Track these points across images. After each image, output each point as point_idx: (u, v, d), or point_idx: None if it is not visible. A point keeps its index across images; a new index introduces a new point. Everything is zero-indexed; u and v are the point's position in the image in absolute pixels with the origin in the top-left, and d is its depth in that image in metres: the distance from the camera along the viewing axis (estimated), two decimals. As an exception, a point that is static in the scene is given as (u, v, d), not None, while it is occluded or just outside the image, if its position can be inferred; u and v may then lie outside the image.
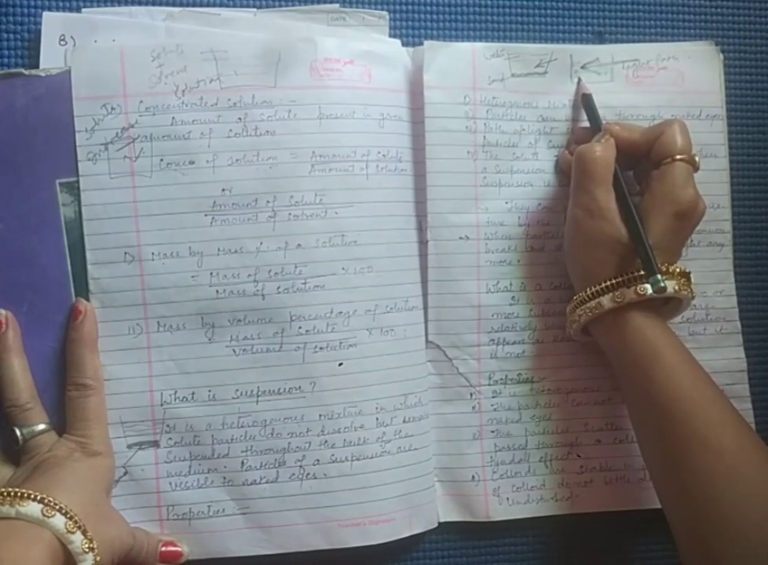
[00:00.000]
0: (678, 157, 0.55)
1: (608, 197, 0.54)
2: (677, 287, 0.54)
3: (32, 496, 0.46)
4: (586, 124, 0.60)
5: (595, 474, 0.60)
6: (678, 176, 0.54)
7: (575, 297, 0.56)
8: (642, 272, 0.53)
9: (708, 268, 0.61)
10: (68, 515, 0.46)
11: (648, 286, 0.52)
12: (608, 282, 0.54)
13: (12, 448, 0.52)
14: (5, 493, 0.46)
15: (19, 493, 0.46)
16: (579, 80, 0.60)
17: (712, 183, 0.61)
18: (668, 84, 0.61)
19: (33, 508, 0.46)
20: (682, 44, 0.63)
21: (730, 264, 0.62)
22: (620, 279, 0.54)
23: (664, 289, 0.52)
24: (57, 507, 0.46)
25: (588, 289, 0.55)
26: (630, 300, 0.53)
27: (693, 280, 0.55)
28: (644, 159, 0.57)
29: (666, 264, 0.54)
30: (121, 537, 0.50)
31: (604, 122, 0.58)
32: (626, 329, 0.54)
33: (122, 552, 0.50)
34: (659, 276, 0.52)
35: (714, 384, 0.53)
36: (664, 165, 0.55)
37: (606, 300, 0.54)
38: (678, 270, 0.54)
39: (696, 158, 0.56)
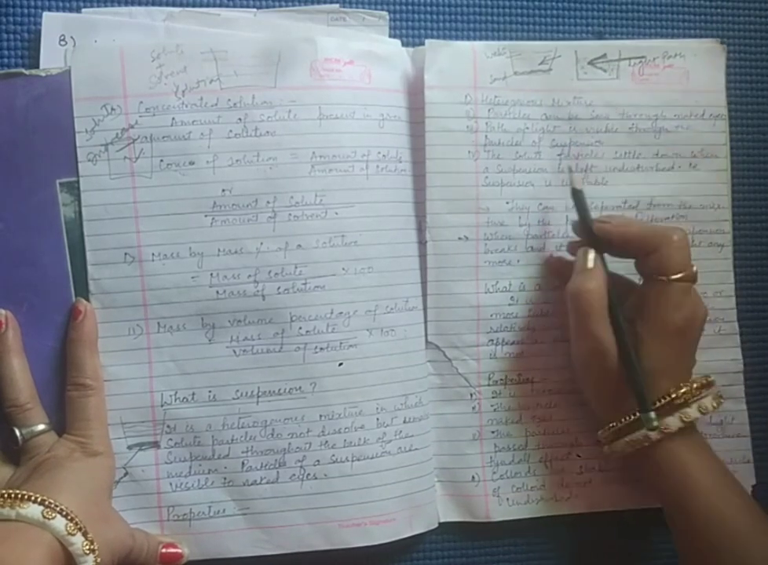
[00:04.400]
0: (674, 277, 0.53)
1: (609, 333, 0.53)
2: (713, 404, 0.53)
3: (32, 498, 0.46)
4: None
5: (594, 474, 0.60)
6: (673, 297, 0.53)
7: (603, 429, 0.55)
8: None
9: (708, 269, 0.61)
10: (69, 517, 0.46)
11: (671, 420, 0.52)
12: (625, 421, 0.53)
13: (11, 448, 0.52)
14: (6, 495, 0.46)
15: (19, 495, 0.46)
16: (571, 170, 0.59)
17: (713, 183, 0.61)
18: (673, 82, 0.61)
19: (33, 510, 0.46)
20: (688, 41, 0.63)
21: (730, 265, 0.62)
22: (635, 419, 0.53)
23: (656, 427, 0.52)
24: (58, 509, 0.46)
25: (611, 427, 0.54)
26: (657, 439, 0.52)
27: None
28: (635, 264, 0.56)
29: (680, 384, 0.53)
30: (121, 538, 0.50)
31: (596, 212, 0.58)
32: (663, 463, 0.53)
33: (122, 554, 0.50)
34: (651, 414, 0.52)
35: (761, 515, 0.52)
36: (659, 284, 0.53)
37: (633, 442, 0.53)
38: (697, 383, 0.54)
39: (695, 269, 0.54)
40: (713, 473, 0.53)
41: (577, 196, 0.57)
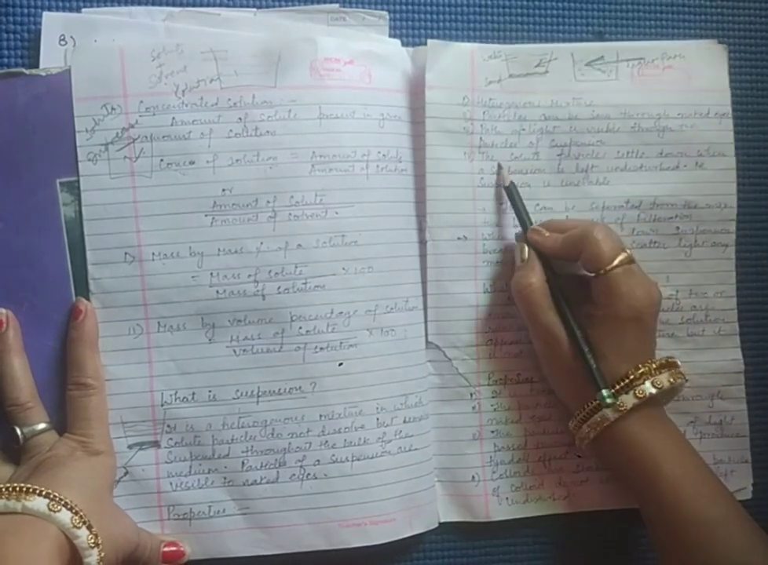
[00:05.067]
0: (609, 267, 0.54)
1: (558, 321, 0.55)
2: (669, 380, 0.54)
3: (38, 491, 0.46)
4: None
5: (591, 473, 0.60)
6: (616, 285, 0.54)
7: (570, 423, 0.56)
8: (617, 387, 0.53)
9: (710, 269, 0.61)
10: (74, 511, 0.46)
11: (627, 397, 0.53)
12: (588, 408, 0.54)
13: (12, 447, 0.52)
14: (11, 488, 0.46)
15: (24, 488, 0.46)
16: (500, 167, 0.59)
17: (720, 182, 0.61)
18: (674, 82, 0.61)
19: (39, 503, 0.46)
20: (688, 42, 0.62)
21: (732, 265, 0.61)
22: (595, 404, 0.54)
23: (612, 403, 0.52)
24: (63, 502, 0.46)
25: (577, 416, 0.55)
26: (614, 418, 0.53)
27: (679, 362, 0.56)
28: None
29: (638, 365, 0.54)
30: (126, 535, 0.50)
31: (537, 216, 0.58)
32: (623, 441, 0.54)
33: (127, 550, 0.50)
34: (604, 392, 0.53)
35: (724, 493, 0.53)
36: (601, 277, 0.54)
37: (593, 425, 0.54)
38: (656, 363, 0.54)
39: (628, 252, 0.54)
40: (671, 445, 0.53)
41: (510, 192, 0.58)
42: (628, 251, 0.55)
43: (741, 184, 0.62)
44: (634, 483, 0.54)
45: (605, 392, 0.53)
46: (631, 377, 0.53)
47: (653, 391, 0.53)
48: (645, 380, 0.53)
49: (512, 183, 0.58)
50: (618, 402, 0.53)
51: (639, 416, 0.53)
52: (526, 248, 0.57)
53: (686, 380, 0.56)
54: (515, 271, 0.57)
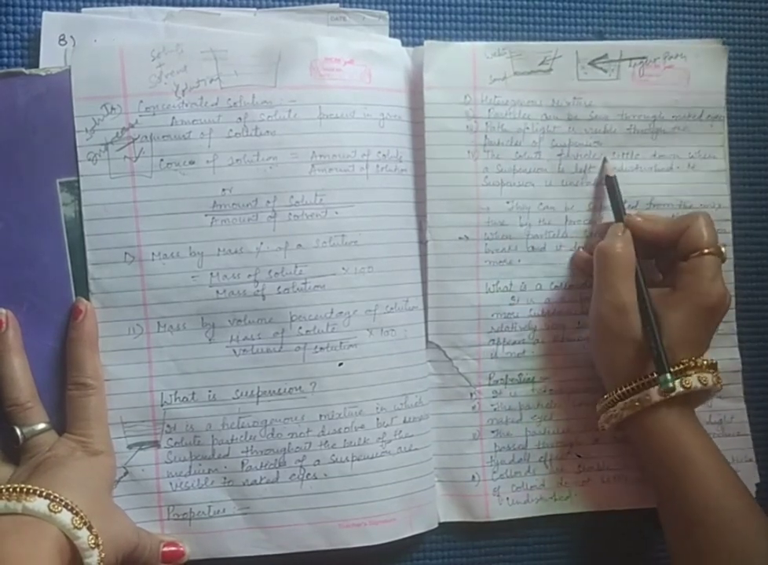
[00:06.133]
0: (707, 250, 0.55)
1: (631, 292, 0.55)
2: (708, 381, 0.54)
3: (38, 491, 0.46)
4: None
5: (593, 473, 0.60)
6: (708, 269, 0.55)
7: (605, 397, 0.56)
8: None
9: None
10: (74, 511, 0.46)
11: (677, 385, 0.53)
12: (634, 384, 0.54)
13: (12, 447, 0.52)
14: (12, 489, 0.46)
15: (25, 489, 0.46)
16: (605, 160, 0.60)
17: (712, 183, 0.61)
18: (673, 83, 0.61)
19: (39, 504, 0.46)
20: (690, 41, 0.63)
21: (731, 265, 0.61)
22: (642, 382, 0.54)
23: (672, 389, 0.53)
24: (63, 503, 0.46)
25: (616, 391, 0.55)
26: (656, 401, 0.53)
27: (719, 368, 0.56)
28: (668, 250, 0.57)
29: (693, 358, 0.54)
30: (126, 535, 0.50)
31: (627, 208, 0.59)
32: (655, 429, 0.54)
33: (126, 550, 0.50)
34: (667, 376, 0.53)
35: (744, 488, 0.54)
36: (693, 259, 0.55)
37: (630, 405, 0.54)
38: (705, 362, 0.55)
39: (723, 250, 0.56)
40: (701, 437, 0.54)
41: (610, 184, 0.59)
42: (723, 249, 0.56)
43: (741, 184, 0.63)
44: (657, 469, 0.54)
45: (668, 376, 0.53)
46: (684, 366, 0.54)
47: (699, 386, 0.54)
48: (693, 373, 0.54)
49: (615, 176, 0.59)
50: (644, 395, 0.53)
51: (677, 405, 0.54)
52: (622, 225, 0.57)
53: (720, 388, 0.56)
54: (606, 237, 0.57)
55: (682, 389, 0.53)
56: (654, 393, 0.53)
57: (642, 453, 0.56)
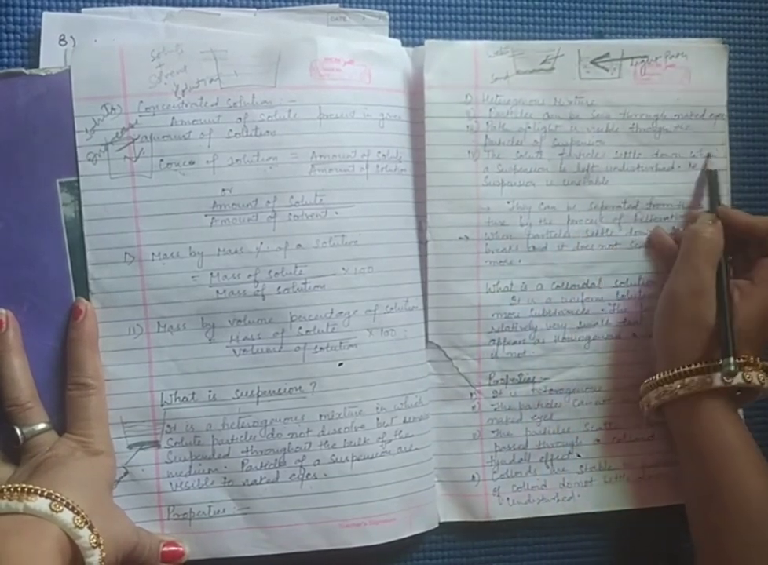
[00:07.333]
0: None
1: (712, 278, 0.55)
2: (760, 379, 0.54)
3: (39, 491, 0.46)
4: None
5: (595, 473, 0.60)
6: None
7: (656, 376, 0.56)
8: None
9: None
10: (76, 511, 0.46)
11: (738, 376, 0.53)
12: (697, 366, 0.54)
13: (12, 447, 0.52)
14: (13, 489, 0.46)
15: (26, 489, 0.46)
16: (708, 156, 0.61)
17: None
18: (675, 82, 0.61)
19: (41, 503, 0.46)
20: (691, 40, 0.63)
21: (730, 264, 0.62)
22: (705, 365, 0.54)
23: (734, 373, 0.53)
24: (65, 502, 0.46)
25: (671, 371, 0.55)
26: (716, 386, 0.53)
27: None
28: (753, 246, 0.58)
29: (752, 356, 0.54)
30: (126, 534, 0.51)
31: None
32: (700, 418, 0.54)
33: (126, 550, 0.50)
34: (731, 359, 0.53)
35: None
36: None
37: (689, 384, 0.54)
38: (761, 363, 0.55)
39: None
40: (743, 431, 0.54)
41: (711, 177, 0.60)
42: None
43: (740, 184, 0.63)
44: (696, 459, 0.55)
45: (731, 359, 0.53)
46: (745, 360, 0.54)
47: (757, 383, 0.54)
48: (753, 370, 0.54)
49: (716, 170, 0.60)
50: (705, 377, 0.53)
51: (726, 399, 0.54)
52: (715, 215, 0.58)
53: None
54: (697, 222, 0.58)
55: (742, 381, 0.53)
56: (717, 378, 0.53)
57: (681, 440, 0.56)
